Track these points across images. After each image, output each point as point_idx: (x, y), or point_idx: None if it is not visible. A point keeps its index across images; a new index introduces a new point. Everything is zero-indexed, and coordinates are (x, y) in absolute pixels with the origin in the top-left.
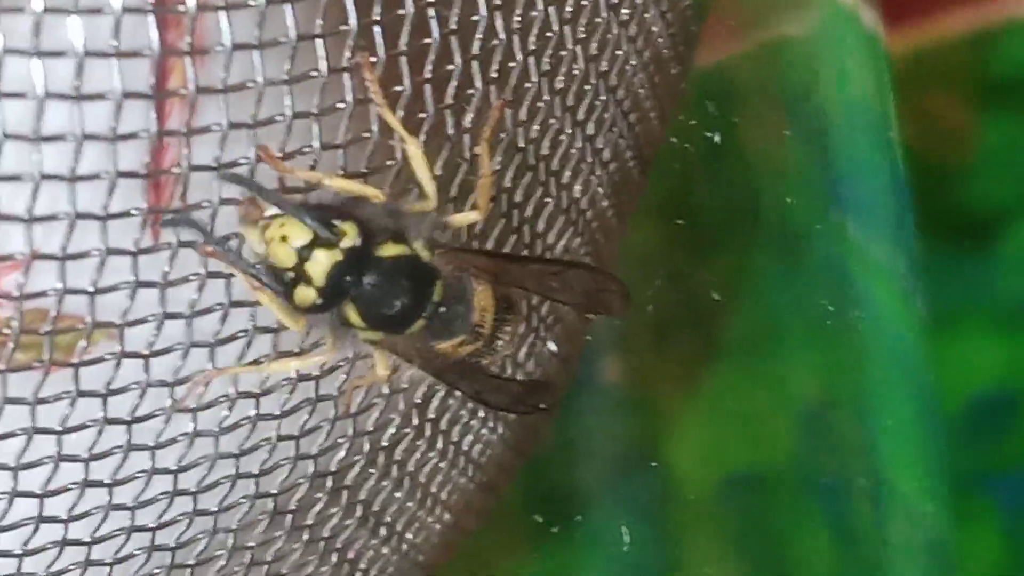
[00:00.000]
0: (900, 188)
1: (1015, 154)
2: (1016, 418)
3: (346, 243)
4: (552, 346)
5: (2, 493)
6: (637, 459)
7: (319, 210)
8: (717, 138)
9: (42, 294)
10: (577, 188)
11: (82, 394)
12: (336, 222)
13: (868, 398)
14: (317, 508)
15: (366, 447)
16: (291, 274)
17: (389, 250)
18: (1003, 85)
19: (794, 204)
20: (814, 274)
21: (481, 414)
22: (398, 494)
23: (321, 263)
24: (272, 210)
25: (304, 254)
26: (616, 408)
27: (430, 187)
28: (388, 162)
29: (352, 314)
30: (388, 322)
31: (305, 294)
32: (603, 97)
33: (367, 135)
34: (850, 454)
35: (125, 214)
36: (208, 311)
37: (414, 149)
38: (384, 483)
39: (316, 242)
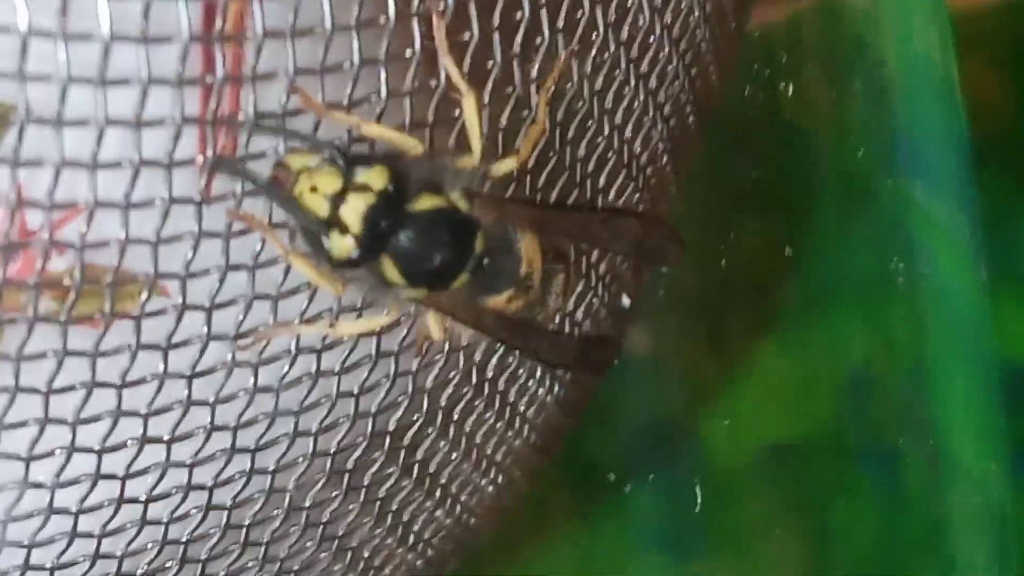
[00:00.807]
0: (963, 149)
1: None
2: None
3: (378, 185)
4: (625, 300)
5: (62, 447)
6: (676, 431)
7: (355, 154)
8: (789, 91)
9: (104, 244)
10: (638, 143)
11: (143, 347)
12: (372, 164)
13: (929, 362)
14: (374, 469)
15: (425, 405)
16: (327, 225)
17: (425, 202)
18: None
19: (858, 162)
20: (876, 235)
21: (539, 374)
22: (454, 455)
23: (355, 207)
24: (302, 161)
25: (337, 200)
26: (655, 380)
27: (477, 144)
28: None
29: (391, 271)
30: (430, 277)
31: (343, 244)
32: (666, 50)
33: (433, 83)
34: (905, 420)
35: (188, 162)
36: (272, 263)
37: (471, 103)
38: (441, 443)
39: (348, 187)
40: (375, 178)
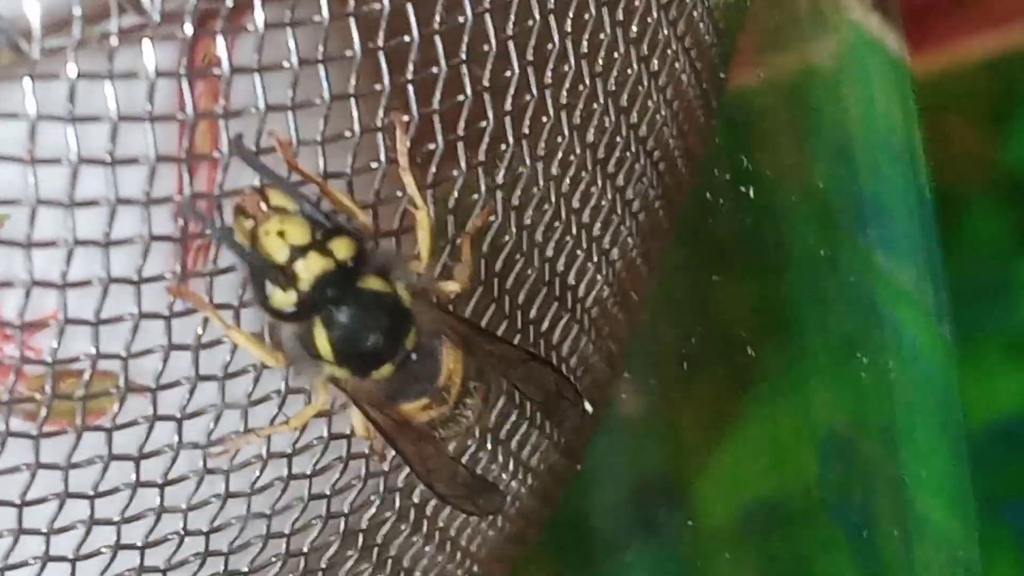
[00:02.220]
0: (927, 216)
1: None
2: None
3: (341, 255)
4: (587, 406)
5: (36, 558)
6: (659, 491)
7: (333, 219)
8: (746, 163)
9: (75, 359)
10: (607, 240)
11: (115, 458)
12: (345, 235)
13: (897, 425)
14: (348, 565)
15: (397, 503)
16: (277, 271)
17: (373, 283)
18: (1018, 113)
19: (823, 232)
20: (841, 303)
21: (511, 467)
22: (428, 548)
23: (312, 267)
24: (276, 201)
25: (297, 253)
26: (638, 441)
27: (426, 254)
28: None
29: (322, 339)
30: (357, 358)
31: (286, 296)
32: (633, 148)
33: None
34: (877, 481)
35: (158, 278)
36: (241, 373)
37: (424, 216)
38: (414, 538)
39: (313, 245)
40: (341, 247)
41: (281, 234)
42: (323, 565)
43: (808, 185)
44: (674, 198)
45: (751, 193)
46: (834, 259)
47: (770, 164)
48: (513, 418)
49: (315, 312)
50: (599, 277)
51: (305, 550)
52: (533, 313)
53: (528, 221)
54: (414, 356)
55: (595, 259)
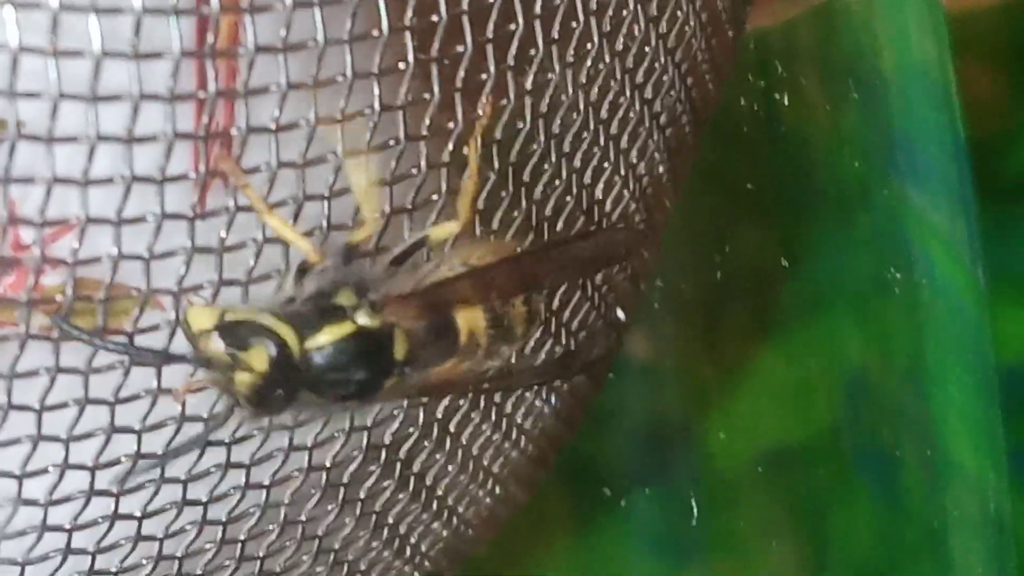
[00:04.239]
0: (961, 154)
1: None
2: None
3: (259, 365)
4: (620, 313)
5: (55, 464)
6: (675, 435)
7: (233, 329)
8: (785, 99)
9: (96, 259)
10: (634, 153)
11: (136, 363)
12: (251, 341)
13: (927, 367)
14: (370, 482)
15: (421, 418)
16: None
17: (328, 335)
18: None
19: (855, 168)
20: (873, 240)
21: (534, 386)
22: (451, 467)
23: (243, 385)
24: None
25: (230, 373)
26: (652, 386)
27: (369, 210)
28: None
29: (315, 400)
30: (354, 397)
31: (247, 406)
32: (662, 60)
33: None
34: (903, 424)
35: (182, 177)
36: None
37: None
38: (437, 456)
39: (235, 366)
40: (256, 358)
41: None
42: (345, 480)
43: (840, 125)
44: (701, 115)
45: (781, 127)
46: (866, 196)
47: (800, 98)
48: (537, 335)
49: (283, 405)
50: (625, 192)
51: (328, 464)
52: (560, 226)
53: (556, 130)
54: (421, 353)
55: (622, 172)
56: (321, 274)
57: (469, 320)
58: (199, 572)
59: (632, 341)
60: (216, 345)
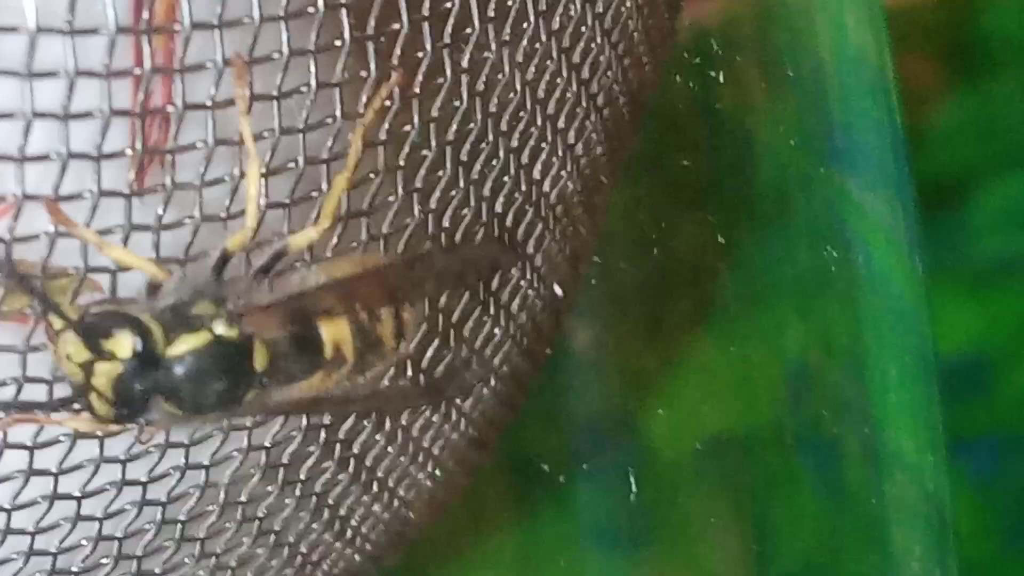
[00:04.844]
0: (898, 142)
1: (985, 117)
2: (987, 381)
3: (123, 353)
4: (557, 289)
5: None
6: (615, 425)
7: (96, 320)
8: (721, 79)
9: (33, 237)
10: (572, 133)
11: None
12: (114, 330)
13: (867, 355)
14: (310, 462)
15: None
16: (85, 389)
17: (183, 345)
18: (974, 48)
19: (793, 152)
20: (811, 228)
21: (473, 366)
22: (391, 449)
23: (102, 377)
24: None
25: (88, 370)
26: (594, 373)
27: (254, 213)
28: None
29: (172, 409)
30: (212, 408)
31: (102, 407)
32: (599, 40)
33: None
34: (842, 411)
35: (119, 154)
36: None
37: (254, 169)
38: (377, 437)
39: (94, 356)
40: (119, 344)
41: (69, 357)
42: (285, 460)
43: (778, 108)
44: (638, 97)
45: (719, 113)
46: (805, 183)
47: (740, 86)
48: (476, 316)
49: (142, 406)
50: (564, 173)
51: (267, 444)
52: (499, 207)
53: (493, 109)
54: (283, 362)
55: (560, 153)
56: (181, 284)
57: (334, 332)
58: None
59: (573, 328)
60: (76, 336)
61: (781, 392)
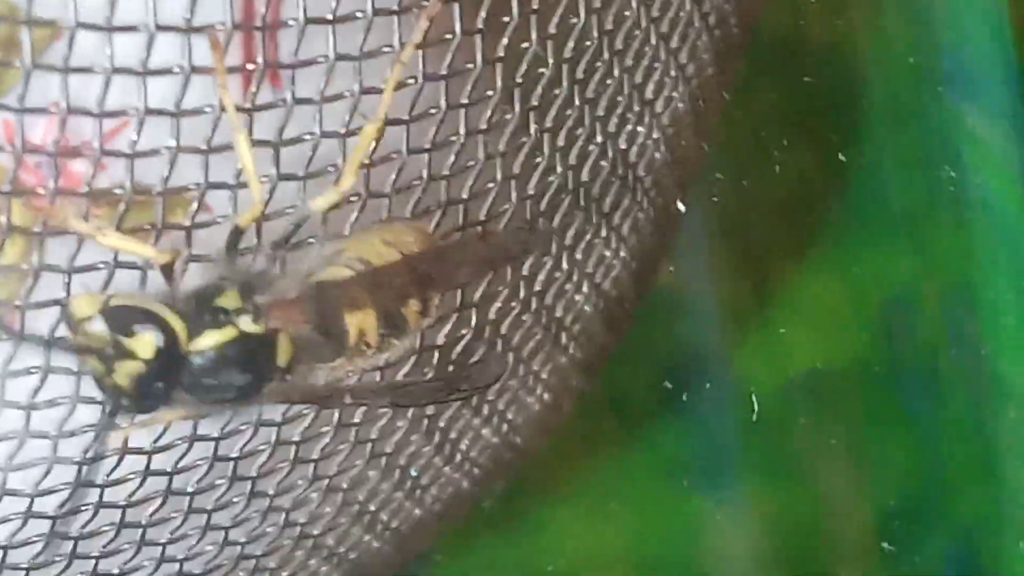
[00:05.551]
0: (1014, 77)
1: None
2: None
3: (145, 353)
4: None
5: None
6: (703, 363)
7: (119, 314)
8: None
9: (156, 151)
10: (684, 53)
11: (194, 258)
12: (136, 328)
13: (977, 282)
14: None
15: (473, 320)
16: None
17: (207, 340)
18: None
19: (906, 79)
20: (922, 153)
21: (585, 289)
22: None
23: (125, 373)
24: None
25: (110, 365)
26: (686, 311)
27: (256, 187)
28: None
29: (190, 399)
30: (231, 400)
31: (125, 403)
32: None
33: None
34: (950, 341)
35: (239, 69)
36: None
37: (243, 140)
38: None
39: (117, 353)
40: (142, 344)
41: (91, 350)
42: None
43: (891, 34)
44: (748, 17)
45: (828, 40)
46: (916, 110)
47: (850, 11)
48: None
49: (160, 399)
50: (675, 93)
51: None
52: (612, 127)
53: (609, 26)
54: (307, 350)
55: (672, 73)
56: (208, 268)
57: (360, 320)
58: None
59: (666, 262)
60: (98, 328)
61: (883, 325)
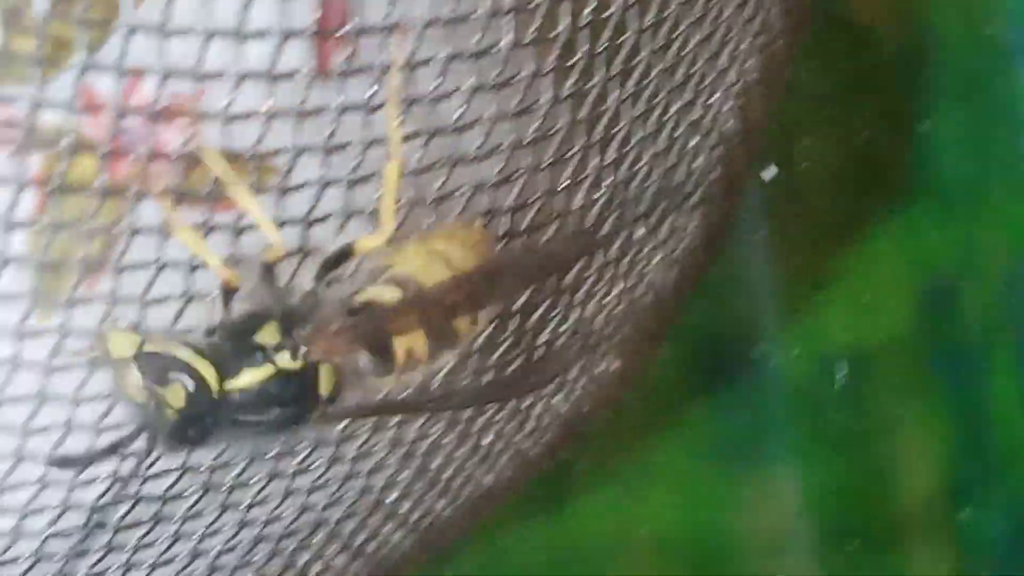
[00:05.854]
0: None
1: None
2: None
3: (175, 402)
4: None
5: None
6: (743, 342)
7: (152, 362)
8: None
9: (252, 113)
10: (757, 22)
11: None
12: (170, 375)
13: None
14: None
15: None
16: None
17: (243, 379)
18: None
19: (967, 52)
20: (989, 130)
21: (648, 247)
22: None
23: (163, 419)
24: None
25: (151, 414)
26: (727, 291)
27: (390, 215)
28: None
29: (235, 434)
30: (275, 430)
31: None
32: None
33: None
34: (995, 328)
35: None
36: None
37: (395, 170)
38: (561, 328)
39: (155, 402)
40: (173, 394)
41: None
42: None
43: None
44: None
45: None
46: (986, 80)
47: None
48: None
49: (205, 436)
50: (747, 65)
51: None
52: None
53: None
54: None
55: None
56: (247, 298)
57: (408, 342)
58: None
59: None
60: (135, 379)
61: (925, 306)
